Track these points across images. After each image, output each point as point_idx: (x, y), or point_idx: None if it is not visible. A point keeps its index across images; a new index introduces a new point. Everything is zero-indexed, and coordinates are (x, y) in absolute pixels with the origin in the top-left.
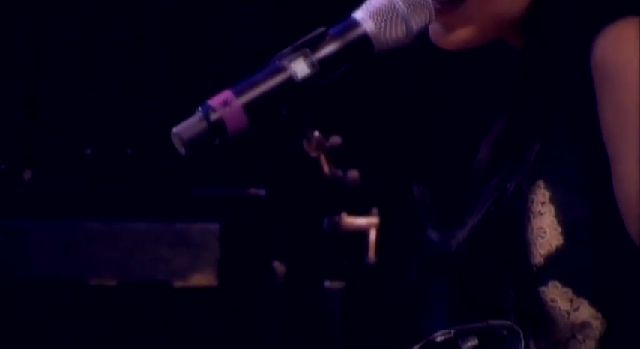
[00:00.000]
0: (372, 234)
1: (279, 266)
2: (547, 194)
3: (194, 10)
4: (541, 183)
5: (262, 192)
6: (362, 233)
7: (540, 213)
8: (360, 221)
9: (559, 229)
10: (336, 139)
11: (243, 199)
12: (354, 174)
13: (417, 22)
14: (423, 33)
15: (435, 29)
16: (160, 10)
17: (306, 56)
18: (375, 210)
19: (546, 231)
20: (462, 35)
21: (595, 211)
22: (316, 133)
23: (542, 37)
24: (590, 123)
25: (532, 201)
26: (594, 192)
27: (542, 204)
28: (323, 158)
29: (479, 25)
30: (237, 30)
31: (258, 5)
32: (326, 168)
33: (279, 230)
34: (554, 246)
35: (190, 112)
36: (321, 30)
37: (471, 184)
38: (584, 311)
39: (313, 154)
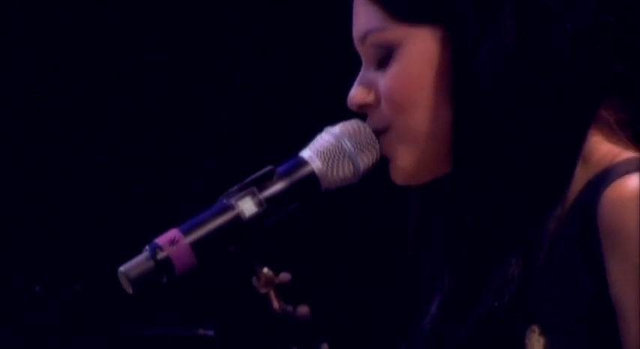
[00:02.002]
0: None
1: None
2: (542, 341)
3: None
4: (536, 328)
5: (210, 333)
6: None
7: None
8: None
9: None
10: (285, 276)
11: (192, 340)
12: (304, 309)
13: (364, 162)
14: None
15: (390, 168)
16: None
17: (253, 195)
18: (324, 346)
19: None
20: (404, 167)
21: None
22: (265, 270)
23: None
24: (595, 278)
25: (526, 346)
26: (596, 344)
27: None
28: (272, 294)
29: (413, 154)
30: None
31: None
32: (275, 304)
33: None
34: None
35: (136, 251)
36: (268, 168)
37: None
38: None
39: (262, 291)
